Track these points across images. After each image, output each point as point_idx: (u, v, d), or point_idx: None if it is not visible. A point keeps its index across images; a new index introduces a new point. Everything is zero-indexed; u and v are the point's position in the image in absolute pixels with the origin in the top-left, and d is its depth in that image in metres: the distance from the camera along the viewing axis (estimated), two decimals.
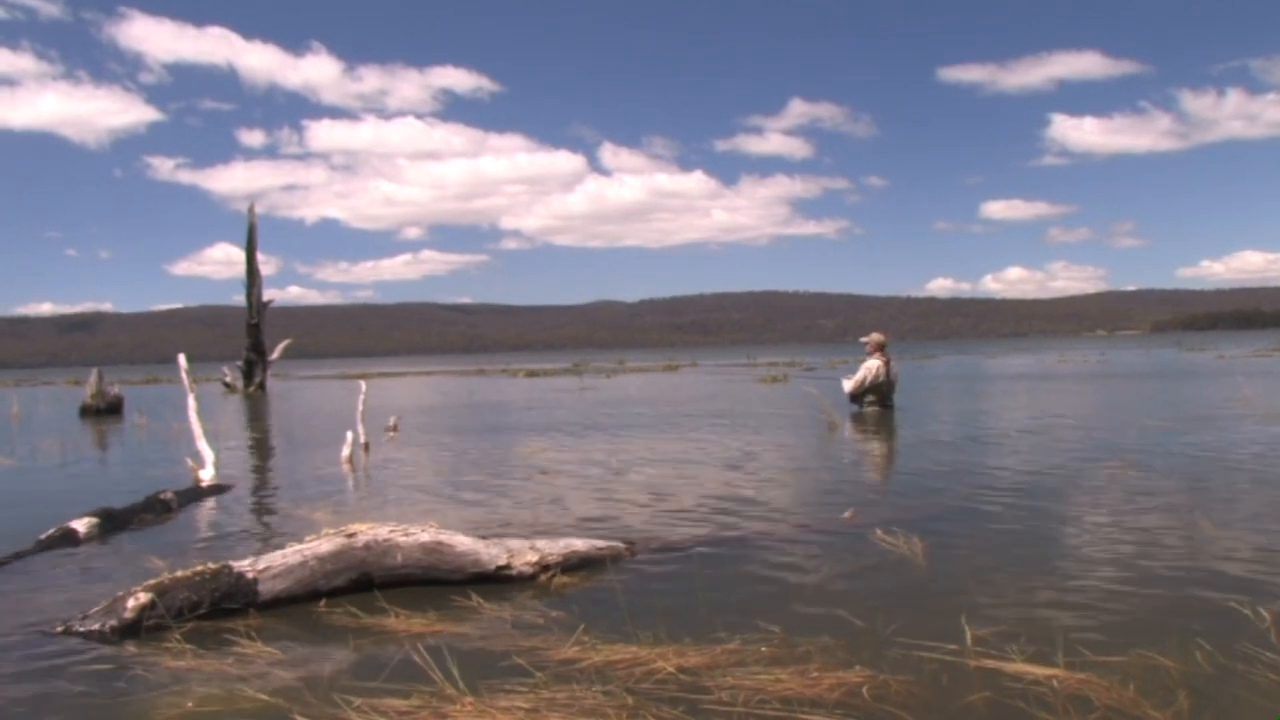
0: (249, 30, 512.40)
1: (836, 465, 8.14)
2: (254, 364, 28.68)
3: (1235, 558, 4.14)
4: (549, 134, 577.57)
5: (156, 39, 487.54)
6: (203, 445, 7.87)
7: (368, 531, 4.06)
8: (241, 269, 29.02)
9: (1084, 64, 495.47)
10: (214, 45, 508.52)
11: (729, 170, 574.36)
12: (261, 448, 11.53)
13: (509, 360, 77.13)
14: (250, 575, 3.77)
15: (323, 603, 3.79)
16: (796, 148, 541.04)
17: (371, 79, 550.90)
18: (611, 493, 6.57)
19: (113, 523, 5.57)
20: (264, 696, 2.80)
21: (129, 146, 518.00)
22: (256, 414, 18.45)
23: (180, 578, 3.69)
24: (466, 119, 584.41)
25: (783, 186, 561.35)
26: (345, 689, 2.82)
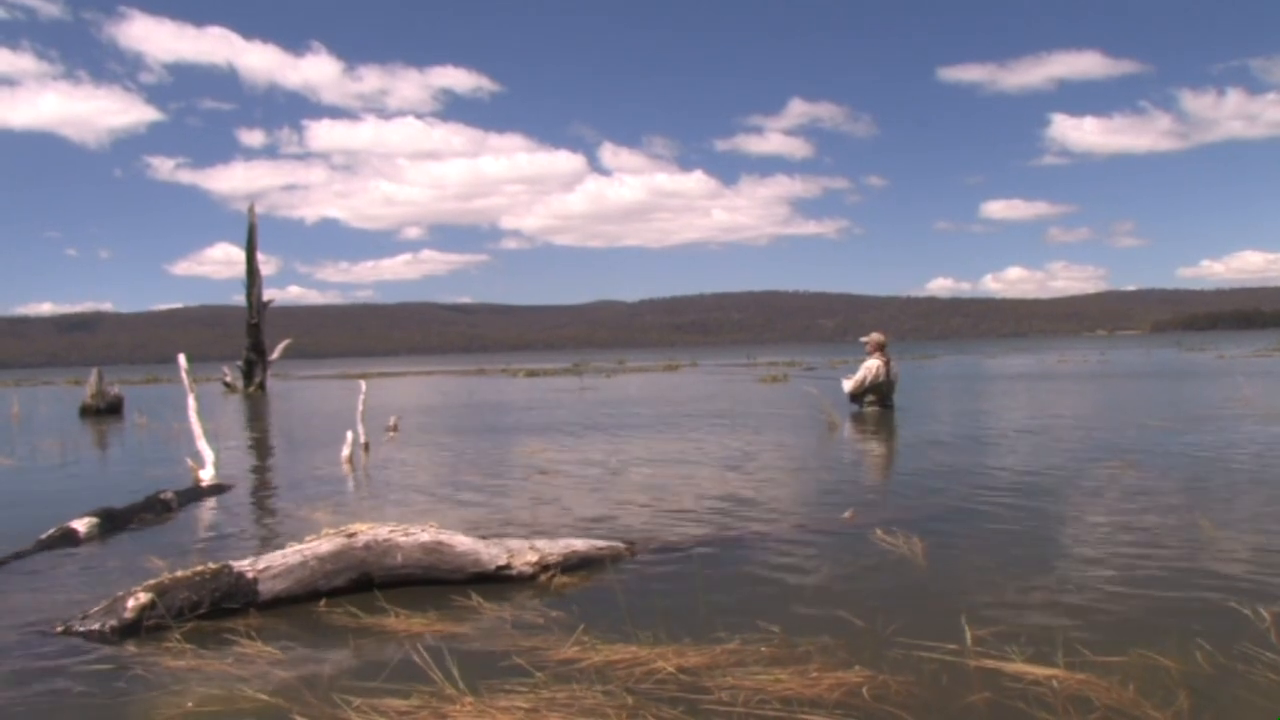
0: (249, 30, 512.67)
1: (836, 465, 8.14)
2: (254, 364, 28.67)
3: (1235, 558, 4.14)
4: (549, 134, 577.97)
5: (156, 39, 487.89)
6: (203, 445, 7.87)
7: (368, 531, 4.06)
8: (241, 269, 29.04)
9: (1084, 64, 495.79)
10: (214, 45, 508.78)
11: (729, 170, 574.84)
12: (261, 448, 11.53)
13: (509, 360, 77.14)
14: (250, 575, 3.77)
15: (323, 603, 3.79)
16: (796, 147, 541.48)
17: (371, 79, 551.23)
18: (611, 493, 6.57)
19: (113, 523, 5.57)
20: (264, 696, 2.80)
21: (129, 146, 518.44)
22: (256, 414, 18.46)
23: (180, 578, 3.70)
24: (466, 119, 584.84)
25: (783, 186, 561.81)
26: (345, 689, 2.82)
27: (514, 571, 4.11)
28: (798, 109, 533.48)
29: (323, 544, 3.98)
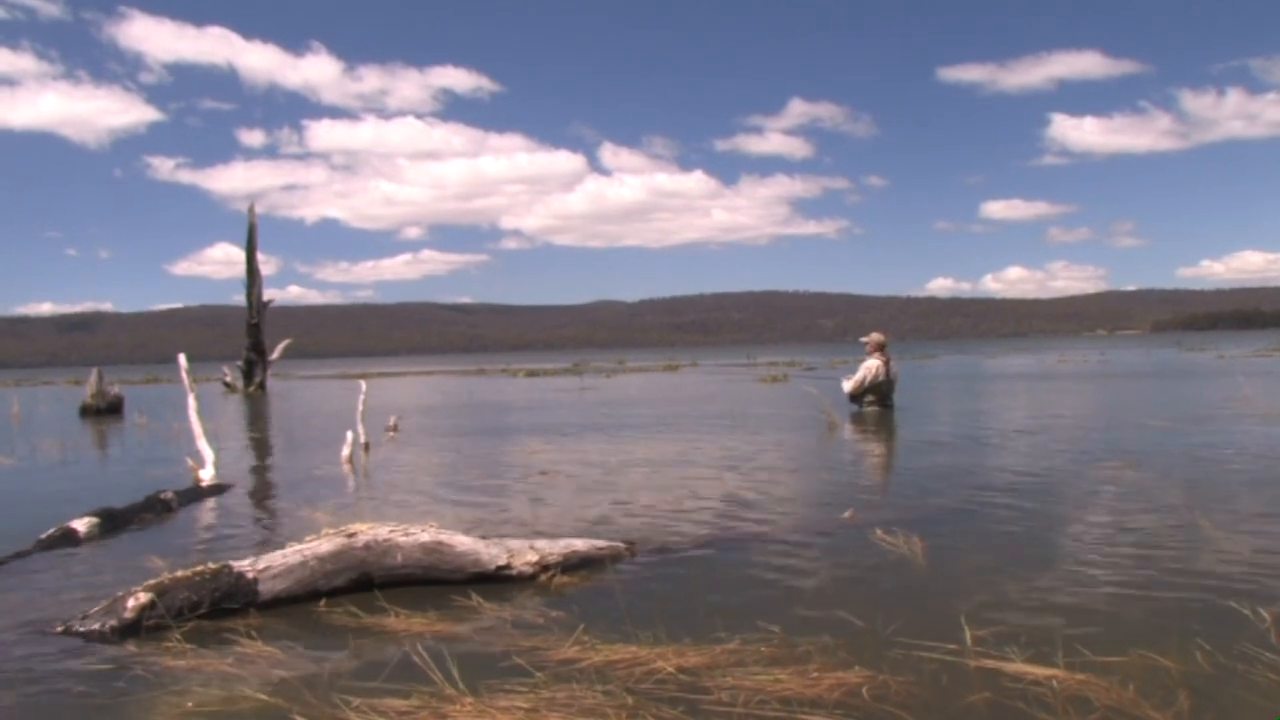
0: (249, 30, 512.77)
1: (836, 465, 8.14)
2: (254, 364, 28.68)
3: (1235, 558, 4.14)
4: (549, 134, 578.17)
5: (156, 39, 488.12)
6: (203, 445, 7.87)
7: (368, 531, 4.06)
8: (241, 269, 29.04)
9: (1084, 64, 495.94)
10: (214, 45, 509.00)
11: (729, 170, 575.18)
12: (261, 447, 11.53)
13: (509, 360, 77.13)
14: (250, 575, 3.77)
15: (323, 602, 3.79)
16: (796, 147, 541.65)
17: (371, 79, 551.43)
18: (611, 493, 6.57)
19: (113, 522, 5.57)
20: (264, 696, 2.80)
21: (129, 146, 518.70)
22: (256, 414, 18.46)
23: (180, 577, 3.70)
24: (466, 119, 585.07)
25: (783, 186, 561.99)
26: (345, 689, 2.82)
27: (514, 571, 4.11)
28: (798, 109, 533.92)
29: (323, 544, 3.98)
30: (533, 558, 4.16)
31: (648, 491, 6.56)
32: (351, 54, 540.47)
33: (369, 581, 3.96)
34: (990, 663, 2.88)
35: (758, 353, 68.64)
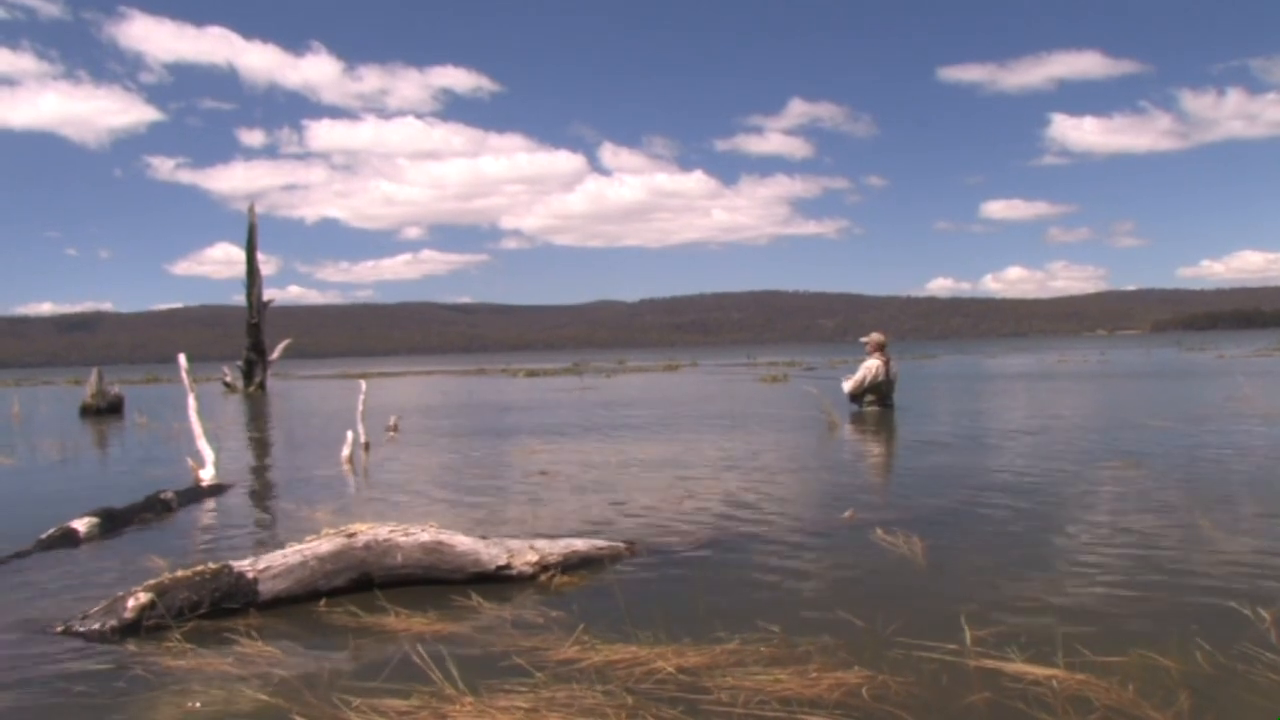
0: (249, 30, 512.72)
1: (836, 465, 8.14)
2: (254, 363, 28.68)
3: (1235, 558, 4.14)
4: (549, 134, 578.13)
5: (156, 39, 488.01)
6: (203, 445, 7.87)
7: (368, 531, 4.06)
8: (241, 269, 29.04)
9: (1084, 64, 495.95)
10: (214, 45, 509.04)
11: (729, 170, 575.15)
12: (261, 447, 11.53)
13: (509, 360, 77.13)
14: (250, 575, 3.77)
15: (323, 602, 3.79)
16: (796, 147, 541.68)
17: (371, 79, 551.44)
18: (611, 493, 6.57)
19: (113, 522, 5.57)
20: (264, 696, 2.80)
21: (129, 146, 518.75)
22: (257, 414, 18.46)
23: (180, 577, 3.70)
24: (466, 119, 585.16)
25: (783, 186, 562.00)
26: (345, 689, 2.82)
27: (514, 571, 4.11)
28: (798, 109, 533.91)
29: (323, 544, 3.98)
30: (533, 558, 4.16)
31: (647, 491, 6.56)
32: (351, 54, 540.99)
33: (369, 581, 3.96)
34: (990, 663, 2.88)
35: (758, 353, 68.64)
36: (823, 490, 6.59)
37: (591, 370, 38.54)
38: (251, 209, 29.26)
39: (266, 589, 3.76)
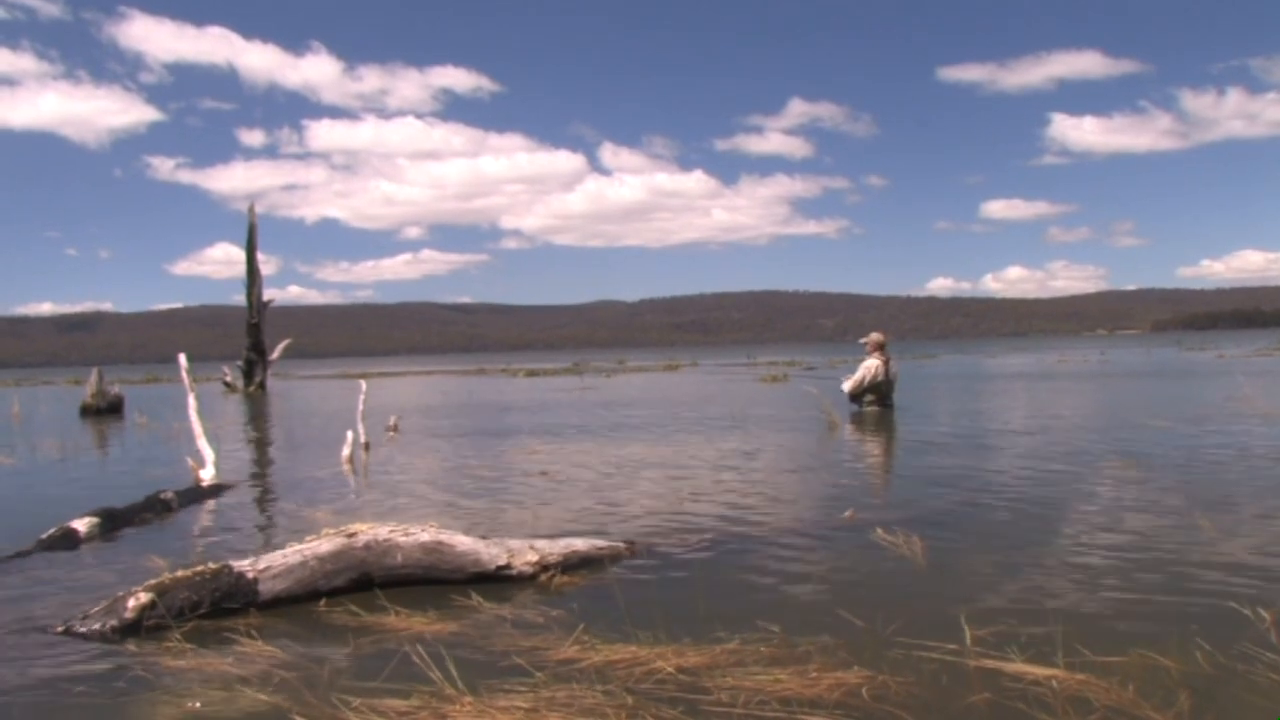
0: (249, 30, 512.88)
1: (836, 465, 8.14)
2: (254, 363, 28.68)
3: (1235, 558, 4.14)
4: (549, 134, 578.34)
5: (156, 39, 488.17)
6: (203, 445, 7.87)
7: (368, 531, 4.06)
8: (241, 269, 29.04)
9: (1084, 63, 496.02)
10: (214, 45, 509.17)
11: (729, 170, 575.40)
12: (262, 447, 11.53)
13: (509, 360, 77.13)
14: (250, 575, 3.77)
15: (323, 602, 3.79)
16: (796, 147, 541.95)
17: (371, 79, 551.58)
18: (611, 492, 6.57)
19: (113, 522, 5.57)
20: (264, 696, 2.81)
21: (129, 146, 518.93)
22: (257, 414, 18.46)
23: (181, 578, 3.70)
24: (466, 119, 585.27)
25: (783, 186, 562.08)
26: (345, 689, 2.82)
27: (514, 571, 4.11)
28: (798, 109, 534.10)
29: (323, 544, 3.98)
30: (533, 558, 4.16)
31: (647, 491, 6.56)
32: (351, 54, 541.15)
33: (369, 581, 3.96)
34: (990, 663, 2.88)
35: (758, 352, 68.64)
36: (823, 490, 6.59)
37: (591, 370, 38.54)
38: (251, 209, 29.27)
39: (266, 589, 3.76)
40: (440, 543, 4.10)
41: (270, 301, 29.76)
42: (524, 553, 4.18)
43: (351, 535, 4.03)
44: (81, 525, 5.31)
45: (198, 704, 2.80)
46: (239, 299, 29.40)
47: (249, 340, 28.69)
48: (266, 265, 33.23)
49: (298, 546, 4.00)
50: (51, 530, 5.21)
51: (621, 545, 4.59)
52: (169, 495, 6.35)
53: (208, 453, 7.77)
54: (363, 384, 11.15)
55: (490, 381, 31.43)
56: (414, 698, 2.72)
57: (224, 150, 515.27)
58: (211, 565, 3.81)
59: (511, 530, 5.03)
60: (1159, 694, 2.62)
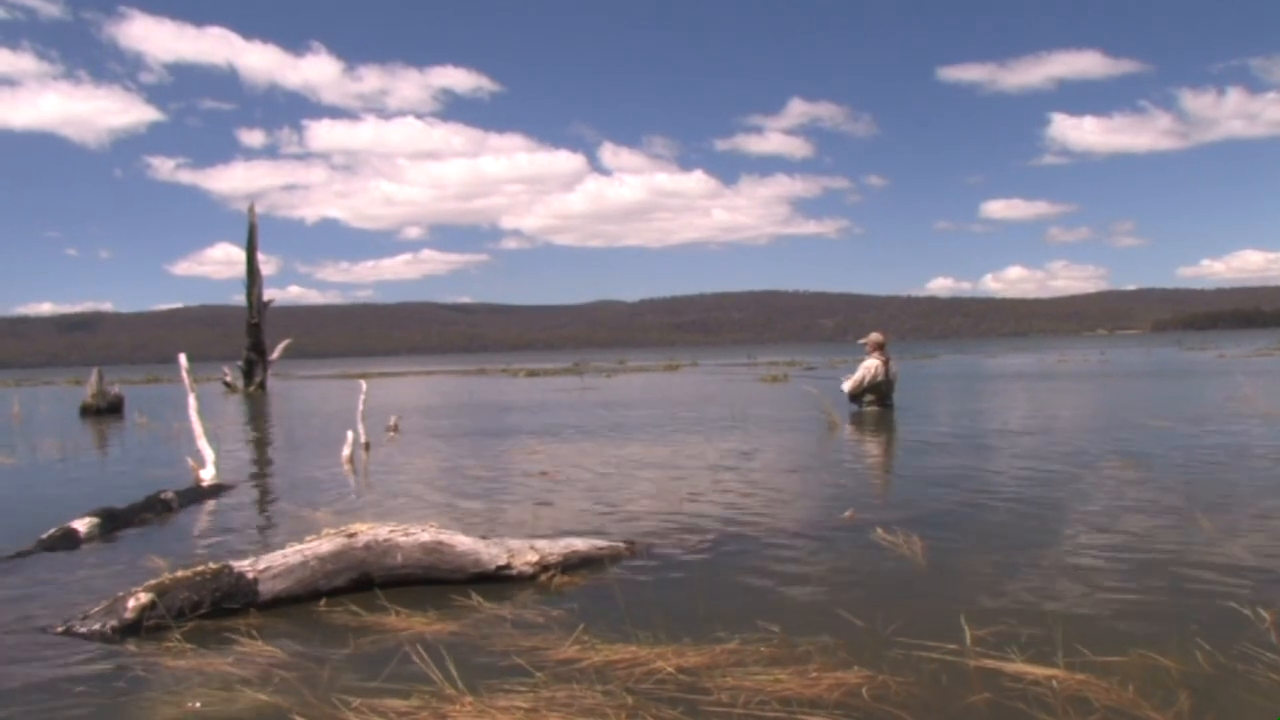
0: (249, 30, 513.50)
1: (836, 465, 8.14)
2: (254, 364, 28.67)
3: (1235, 558, 4.14)
4: (549, 134, 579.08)
5: (156, 39, 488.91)
6: (203, 445, 7.86)
7: (368, 531, 4.06)
8: (242, 269, 29.04)
9: (1084, 63, 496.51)
10: (214, 45, 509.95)
11: (729, 170, 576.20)
12: (262, 448, 11.53)
13: (509, 360, 77.12)
14: (251, 575, 3.77)
15: (323, 602, 3.79)
16: (796, 147, 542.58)
17: (371, 79, 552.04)
18: (611, 492, 6.57)
19: (114, 522, 5.57)
20: (264, 696, 2.81)
21: (129, 146, 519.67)
22: (257, 414, 18.46)
23: (181, 578, 3.70)
24: (466, 119, 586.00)
25: (783, 186, 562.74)
26: (345, 689, 2.82)
27: (514, 571, 4.11)
28: (798, 109, 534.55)
29: (323, 544, 3.98)
30: (533, 558, 4.16)
31: (647, 491, 6.56)
32: (351, 54, 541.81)
33: (369, 581, 3.96)
34: (990, 663, 2.88)
35: (758, 352, 68.62)
36: (823, 490, 6.58)
37: (592, 370, 38.53)
38: (251, 209, 29.27)
39: (267, 589, 3.76)
40: (440, 543, 4.10)
41: (270, 301, 29.76)
42: (524, 553, 4.18)
43: (352, 535, 4.03)
44: (82, 525, 5.31)
45: (198, 704, 2.80)
46: (239, 299, 29.43)
47: (249, 340, 28.69)
48: (266, 265, 33.24)
49: (298, 546, 4.00)
50: (52, 530, 5.20)
51: (621, 545, 4.58)
52: (169, 495, 6.35)
53: (208, 453, 7.77)
54: (363, 384, 11.15)
55: (490, 382, 31.42)
56: (414, 698, 2.72)
57: (224, 150, 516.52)
58: (212, 565, 3.81)
59: (511, 530, 5.03)
60: (1159, 694, 2.62)
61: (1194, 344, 54.47)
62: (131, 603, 3.52)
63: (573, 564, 4.25)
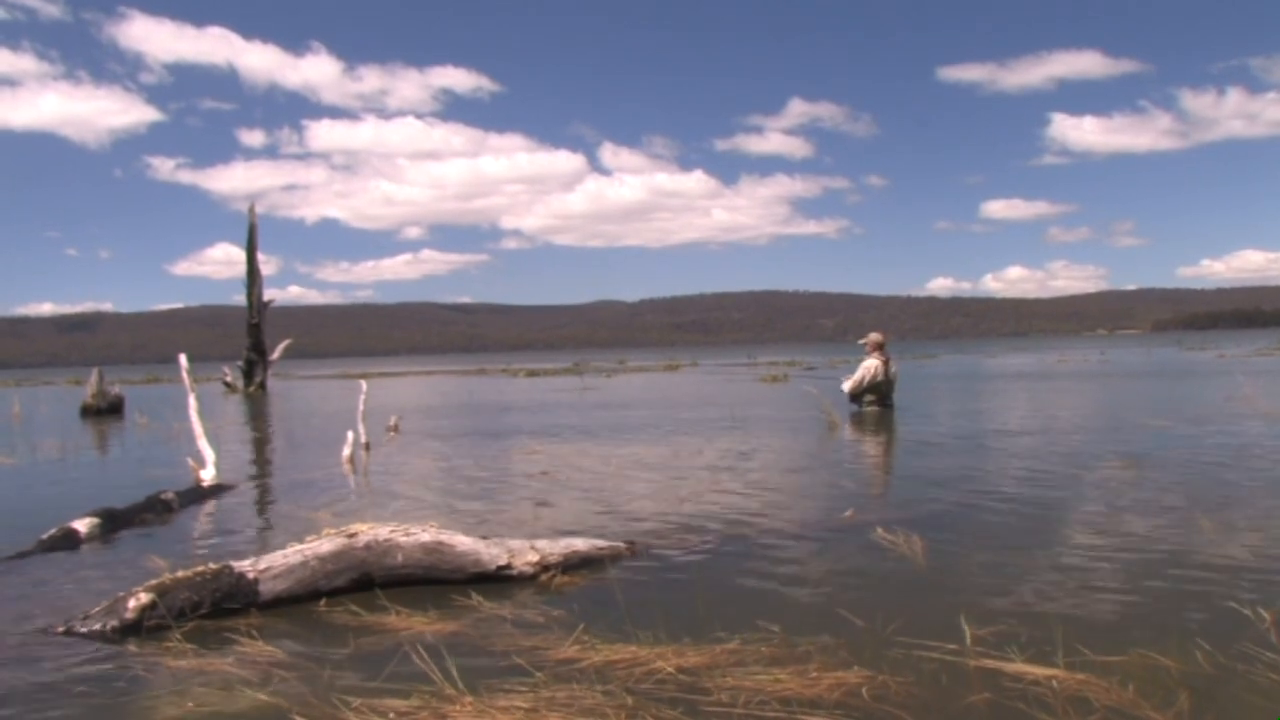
0: (249, 30, 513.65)
1: (836, 465, 8.14)
2: (254, 364, 28.67)
3: (1235, 558, 4.14)
4: (549, 134, 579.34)
5: (157, 39, 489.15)
6: (203, 445, 7.86)
7: (368, 531, 4.06)
8: (242, 269, 29.04)
9: (1084, 63, 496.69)
10: (214, 45, 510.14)
11: (729, 170, 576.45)
12: (262, 448, 11.53)
13: (509, 360, 77.12)
14: (251, 575, 3.77)
15: (323, 602, 3.79)
16: (796, 147, 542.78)
17: (371, 79, 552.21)
18: (611, 492, 6.57)
19: (114, 523, 5.57)
20: (264, 696, 2.81)
21: (129, 146, 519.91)
22: (257, 414, 18.46)
23: (181, 578, 3.70)
24: (466, 119, 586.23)
25: (783, 186, 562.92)
26: (345, 689, 2.83)
27: (514, 571, 4.11)
28: (798, 109, 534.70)
29: (323, 544, 3.98)
30: (533, 558, 4.16)
31: (648, 492, 6.56)
32: (351, 54, 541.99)
33: (370, 581, 3.96)
34: (990, 663, 2.88)
35: (758, 352, 68.62)
36: (823, 490, 6.59)
37: (592, 370, 38.53)
38: (252, 209, 29.27)
39: (267, 589, 3.77)
40: (441, 543, 4.10)
41: (270, 301, 29.76)
42: (524, 553, 4.18)
43: (352, 535, 4.03)
44: (82, 525, 5.31)
45: (198, 704, 2.80)
46: (239, 299, 29.43)
47: (249, 340, 28.69)
48: (267, 265, 33.26)
49: (298, 547, 4.00)
50: (52, 530, 5.21)
51: (622, 545, 4.59)
52: (169, 495, 6.35)
53: (208, 453, 7.77)
54: (363, 384, 11.15)
55: (490, 382, 31.42)
56: (414, 698, 2.73)
57: (224, 150, 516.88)
58: (212, 565, 3.81)
59: (512, 530, 5.03)
60: (1159, 694, 2.62)
61: (1194, 344, 54.47)
62: (132, 603, 3.52)
63: (573, 564, 4.26)
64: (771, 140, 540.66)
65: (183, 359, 8.77)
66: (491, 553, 4.14)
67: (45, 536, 5.13)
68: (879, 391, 12.53)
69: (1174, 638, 3.03)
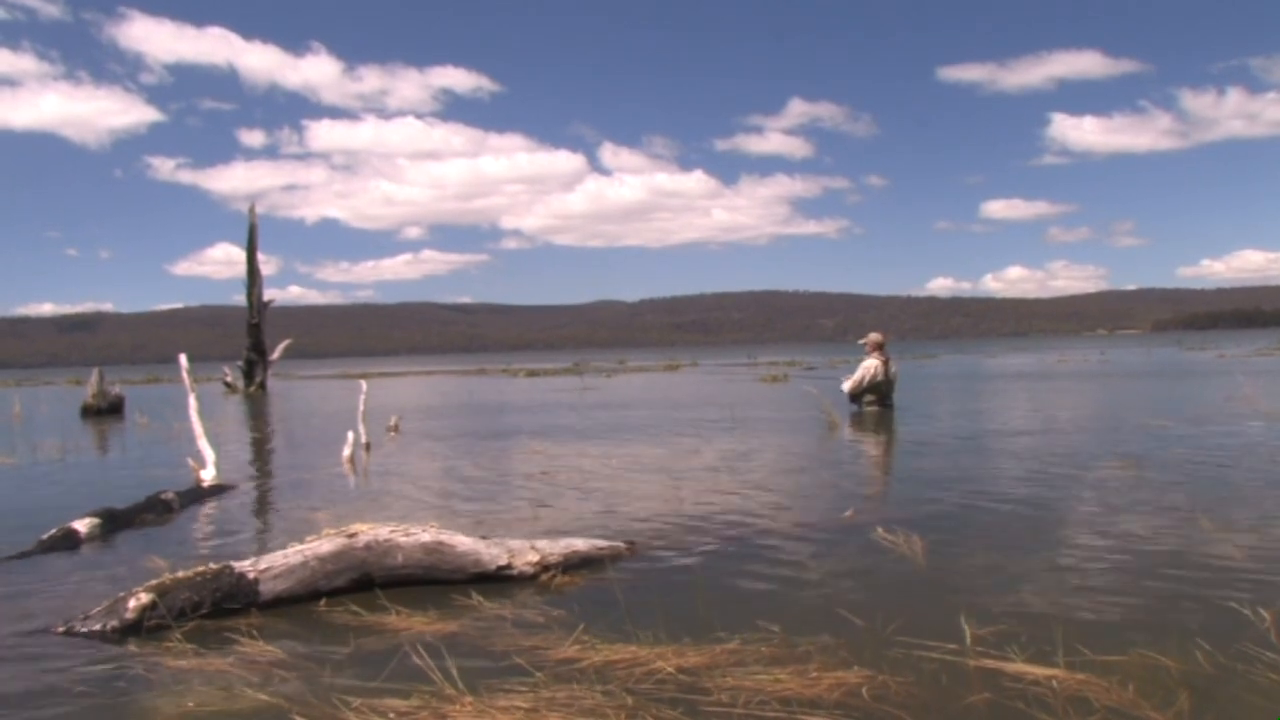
0: (249, 30, 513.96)
1: (836, 464, 8.14)
2: (254, 364, 28.67)
3: (1235, 558, 4.14)
4: (549, 134, 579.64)
5: (157, 39, 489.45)
6: (203, 445, 7.87)
7: (369, 531, 4.06)
8: (242, 269, 29.03)
9: (1084, 63, 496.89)
10: (214, 45, 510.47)
11: (729, 170, 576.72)
12: (262, 448, 11.53)
13: (509, 360, 77.12)
14: (251, 575, 3.77)
15: (323, 602, 3.80)
16: (796, 147, 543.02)
17: (371, 79, 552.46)
18: (611, 493, 6.57)
19: (114, 523, 5.57)
20: (264, 696, 2.81)
21: (129, 146, 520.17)
22: (257, 414, 18.45)
23: (182, 578, 3.70)
24: (466, 119, 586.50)
25: (783, 186, 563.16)
26: (345, 689, 2.83)
27: (515, 571, 4.11)
28: (798, 109, 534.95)
29: (323, 544, 3.98)
30: (533, 558, 4.16)
31: (648, 492, 6.56)
32: (351, 54, 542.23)
33: (370, 581, 3.96)
34: (990, 663, 2.88)
35: (758, 352, 68.62)
36: (823, 490, 6.59)
37: (592, 370, 38.53)
38: (252, 209, 29.27)
39: (267, 589, 3.77)
40: (441, 543, 4.10)
41: (270, 302, 29.76)
42: (525, 553, 4.18)
43: (352, 535, 4.04)
44: (82, 525, 5.31)
45: (198, 704, 2.80)
46: (239, 299, 29.43)
47: (249, 340, 28.69)
48: (267, 265, 33.26)
49: (298, 547, 4.00)
50: (52, 530, 5.21)
51: (622, 545, 4.59)
52: (170, 496, 6.35)
53: (208, 453, 7.77)
54: (363, 384, 11.16)
55: (490, 382, 31.42)
56: (414, 698, 2.73)
57: (224, 150, 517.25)
58: (212, 565, 3.81)
59: (512, 530, 5.03)
60: (1159, 694, 2.62)
61: (1194, 344, 54.47)
62: (132, 603, 3.52)
63: (573, 564, 4.26)
64: (771, 140, 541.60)
65: (183, 359, 8.77)
66: (491, 553, 4.14)
67: (45, 536, 5.13)
68: (879, 391, 12.53)
69: (1174, 638, 3.03)
